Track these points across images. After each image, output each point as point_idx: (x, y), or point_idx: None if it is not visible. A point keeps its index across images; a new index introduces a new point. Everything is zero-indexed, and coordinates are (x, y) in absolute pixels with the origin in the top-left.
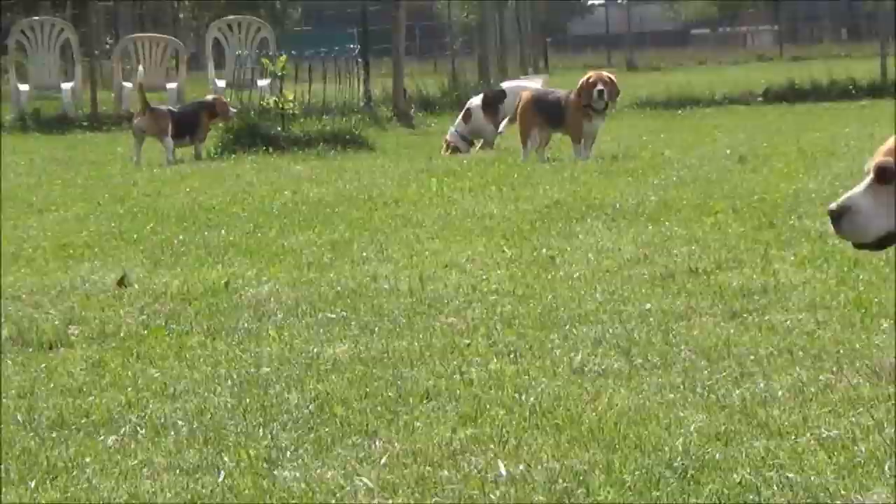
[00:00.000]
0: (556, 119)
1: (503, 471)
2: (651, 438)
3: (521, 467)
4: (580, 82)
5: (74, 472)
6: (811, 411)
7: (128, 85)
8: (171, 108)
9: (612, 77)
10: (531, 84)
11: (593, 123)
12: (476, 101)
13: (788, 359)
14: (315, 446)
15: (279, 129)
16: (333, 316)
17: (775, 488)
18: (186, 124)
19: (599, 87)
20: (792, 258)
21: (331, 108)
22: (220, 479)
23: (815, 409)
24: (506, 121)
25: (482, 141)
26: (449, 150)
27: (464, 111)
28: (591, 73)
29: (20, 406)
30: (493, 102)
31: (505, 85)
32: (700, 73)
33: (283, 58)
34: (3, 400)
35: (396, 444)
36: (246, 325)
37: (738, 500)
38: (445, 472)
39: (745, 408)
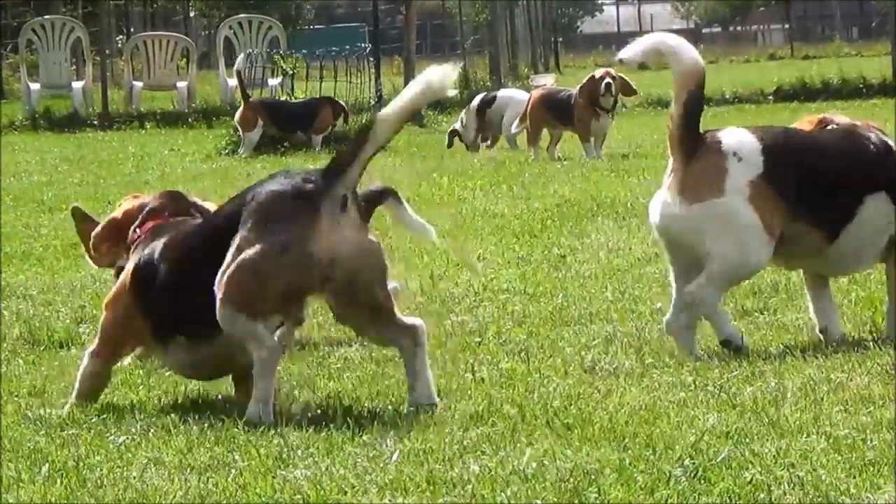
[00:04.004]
0: (565, 118)
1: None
2: (662, 437)
3: (533, 466)
4: (584, 81)
5: (85, 471)
6: (822, 410)
7: (138, 84)
8: (277, 99)
9: (623, 76)
10: (527, 92)
11: (601, 122)
12: (475, 101)
13: (799, 358)
14: (326, 445)
15: None
16: None
17: (786, 487)
18: (298, 117)
19: (607, 80)
20: None
21: None
22: (232, 478)
23: (826, 408)
24: (517, 121)
25: (490, 138)
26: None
27: (468, 105)
28: (598, 70)
29: (31, 404)
30: (482, 108)
31: (500, 93)
32: (711, 71)
33: (296, 57)
34: (14, 398)
35: (407, 442)
36: None
37: (748, 499)
38: (456, 471)
39: (757, 407)
